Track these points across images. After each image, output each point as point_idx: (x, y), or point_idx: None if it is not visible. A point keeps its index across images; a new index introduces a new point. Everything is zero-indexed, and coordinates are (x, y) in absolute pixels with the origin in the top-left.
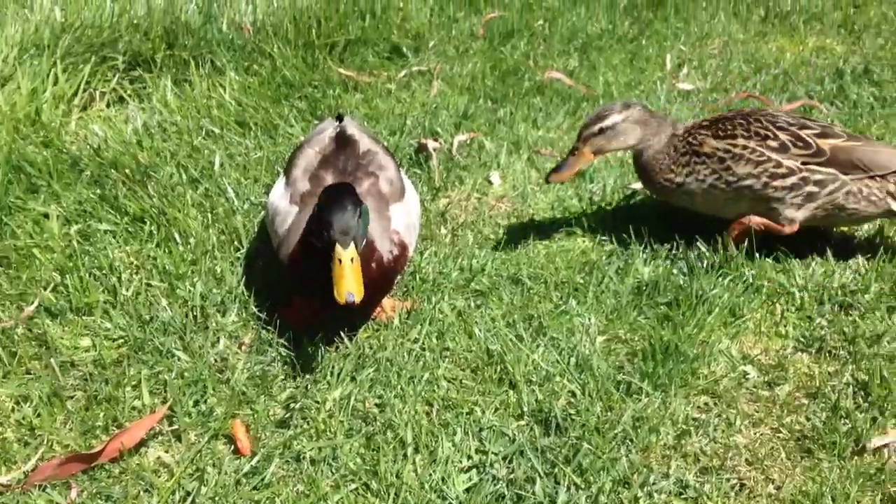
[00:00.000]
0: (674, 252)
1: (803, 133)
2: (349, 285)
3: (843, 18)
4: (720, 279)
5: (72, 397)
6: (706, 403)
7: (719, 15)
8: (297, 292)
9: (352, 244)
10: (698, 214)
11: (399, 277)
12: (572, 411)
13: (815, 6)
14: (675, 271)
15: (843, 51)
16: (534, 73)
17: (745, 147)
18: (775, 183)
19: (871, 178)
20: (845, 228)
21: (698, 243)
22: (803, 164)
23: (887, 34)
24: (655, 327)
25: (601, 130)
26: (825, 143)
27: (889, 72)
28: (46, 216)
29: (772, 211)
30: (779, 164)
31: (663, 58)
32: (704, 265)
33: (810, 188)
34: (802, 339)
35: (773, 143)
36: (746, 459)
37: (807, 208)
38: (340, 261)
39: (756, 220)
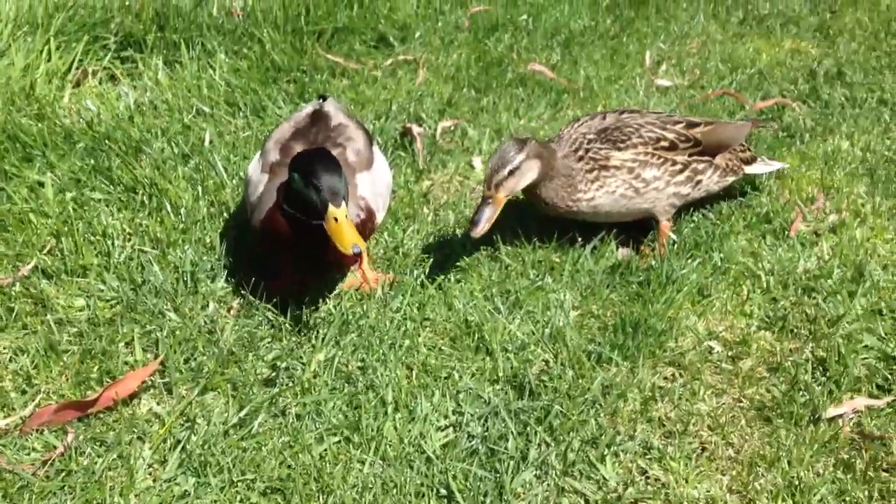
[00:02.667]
0: (644, 236)
1: (679, 128)
2: (351, 237)
3: (819, 23)
4: (690, 261)
5: (67, 351)
6: (672, 374)
7: (699, 16)
8: (280, 261)
9: (343, 203)
10: (587, 223)
11: (370, 247)
12: (545, 378)
13: (792, 10)
14: (647, 254)
15: (818, 54)
16: (517, 65)
17: (646, 153)
18: (675, 179)
19: (731, 151)
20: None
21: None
22: (689, 157)
23: (861, 39)
24: (626, 304)
25: (511, 173)
26: (696, 132)
27: (861, 74)
28: (41, 184)
29: (666, 208)
30: (675, 163)
31: (643, 55)
32: (675, 248)
33: (697, 178)
34: (766, 319)
35: (665, 144)
36: (708, 425)
37: (690, 196)
38: (336, 219)
39: (665, 226)
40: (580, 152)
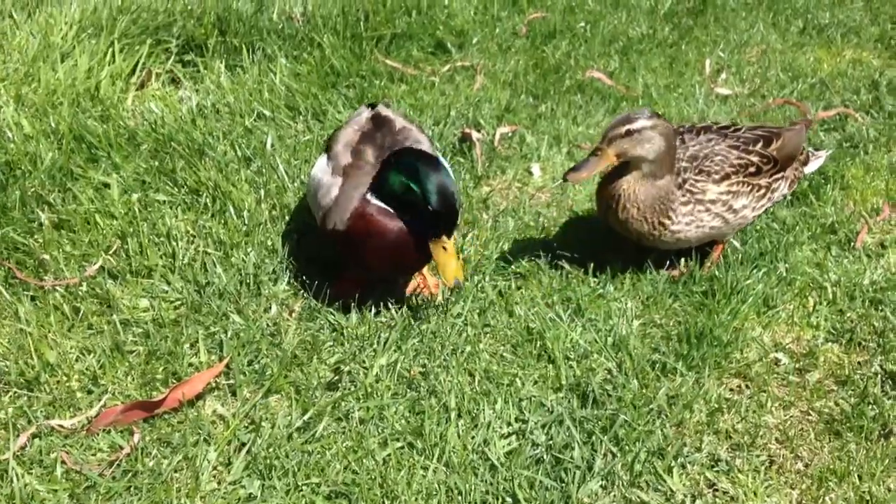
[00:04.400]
0: (708, 246)
1: (759, 149)
2: (455, 270)
3: (881, 33)
4: (754, 271)
5: (132, 352)
6: (738, 386)
7: (758, 25)
8: (343, 265)
9: (455, 232)
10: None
11: None
12: (609, 387)
13: (853, 21)
14: (710, 263)
15: (880, 64)
16: (574, 72)
17: (738, 183)
18: (758, 204)
19: (796, 159)
20: (875, 231)
21: (732, 239)
22: (769, 177)
23: None
24: (690, 313)
25: (628, 133)
26: (773, 150)
27: None
28: (107, 185)
29: (736, 228)
30: (759, 187)
31: (702, 63)
32: (739, 258)
33: (771, 194)
34: (833, 331)
35: (752, 170)
36: (776, 438)
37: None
38: (445, 248)
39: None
40: (679, 179)
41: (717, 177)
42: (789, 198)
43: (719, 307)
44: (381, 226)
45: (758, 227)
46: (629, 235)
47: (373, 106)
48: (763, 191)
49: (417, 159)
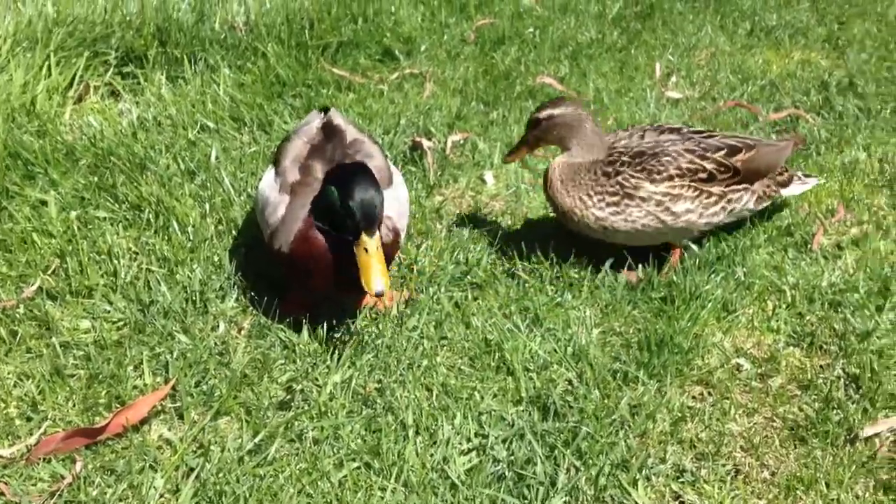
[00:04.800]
0: (664, 251)
1: (718, 157)
2: (379, 275)
3: (828, 34)
4: (713, 276)
5: (73, 375)
6: (701, 393)
7: (706, 28)
8: (288, 285)
9: (377, 232)
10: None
11: (392, 264)
12: (570, 398)
13: (800, 22)
14: (668, 269)
15: (828, 65)
16: (525, 77)
17: (682, 187)
18: (709, 211)
19: (770, 177)
20: (832, 233)
21: (689, 242)
22: (726, 187)
23: (871, 49)
24: (650, 320)
25: (537, 122)
26: (736, 161)
27: (873, 85)
28: (44, 203)
29: (687, 235)
30: (710, 195)
31: (652, 67)
32: (696, 262)
33: (731, 206)
34: (794, 334)
35: (703, 175)
36: (741, 446)
37: (720, 224)
38: (367, 249)
39: (678, 250)
40: (610, 169)
41: (657, 176)
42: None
43: (679, 313)
44: (323, 248)
45: (714, 231)
46: (562, 218)
47: (325, 111)
48: (715, 199)
49: (343, 169)
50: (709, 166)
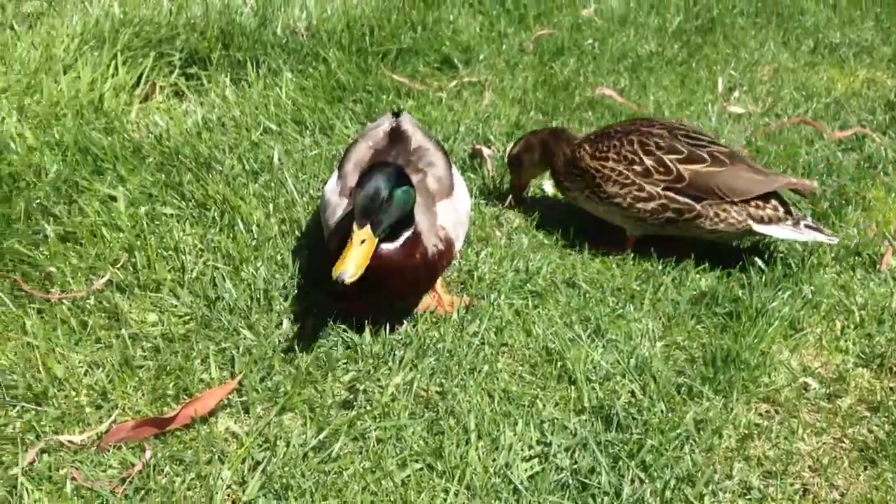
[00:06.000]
0: (729, 266)
1: (667, 158)
2: (345, 265)
3: (893, 53)
4: (779, 293)
5: (142, 367)
6: (767, 411)
7: (768, 44)
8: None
9: (367, 226)
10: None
11: (445, 272)
12: (633, 410)
13: (865, 40)
14: (732, 284)
15: (894, 84)
16: (584, 88)
17: (612, 170)
18: (638, 205)
19: (731, 202)
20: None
21: (756, 258)
22: (664, 189)
23: None
24: (715, 335)
25: (509, 162)
26: (686, 169)
27: None
28: (113, 198)
29: (638, 226)
30: (641, 188)
31: (714, 81)
32: (763, 279)
33: (669, 214)
34: (863, 355)
35: (638, 168)
36: (809, 466)
37: (669, 228)
38: (351, 240)
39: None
40: (585, 145)
41: (599, 154)
42: (736, 243)
43: (745, 329)
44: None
45: (781, 249)
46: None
47: (396, 114)
48: (644, 195)
49: (368, 168)
50: (648, 162)
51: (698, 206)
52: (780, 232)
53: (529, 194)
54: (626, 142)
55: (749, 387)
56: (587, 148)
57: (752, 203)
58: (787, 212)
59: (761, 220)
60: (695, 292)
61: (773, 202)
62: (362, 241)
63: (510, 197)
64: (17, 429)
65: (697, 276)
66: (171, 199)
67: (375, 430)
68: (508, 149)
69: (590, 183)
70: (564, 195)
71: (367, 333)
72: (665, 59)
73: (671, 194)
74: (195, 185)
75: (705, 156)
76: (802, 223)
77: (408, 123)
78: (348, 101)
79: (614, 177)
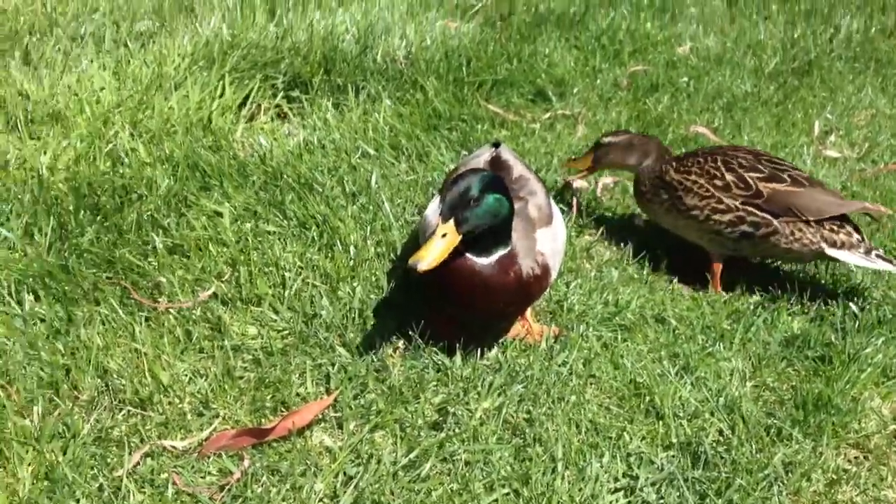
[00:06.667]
0: (822, 308)
1: (748, 175)
2: (423, 253)
3: None
4: (872, 339)
5: (242, 378)
6: (857, 457)
7: (866, 89)
8: (438, 307)
9: (451, 221)
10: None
11: (537, 301)
12: (721, 448)
13: None
14: (825, 328)
15: None
16: (677, 126)
17: (694, 182)
18: (715, 216)
19: (806, 222)
20: None
21: (850, 303)
22: (742, 203)
23: None
24: (805, 378)
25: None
26: (766, 187)
27: None
28: (219, 213)
29: (713, 241)
30: (720, 201)
31: (809, 124)
32: (857, 325)
33: (745, 227)
34: None
35: (719, 183)
36: None
37: (743, 244)
38: (434, 233)
39: (716, 266)
40: (672, 161)
41: (681, 168)
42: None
43: (836, 374)
44: (457, 271)
45: (875, 296)
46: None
47: (496, 145)
48: (724, 207)
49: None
50: (729, 177)
51: (775, 222)
52: (851, 258)
53: (619, 227)
54: (711, 159)
55: (839, 432)
56: (673, 163)
57: (827, 227)
58: (861, 240)
59: (834, 245)
60: (787, 334)
61: (848, 228)
62: (444, 235)
63: (573, 172)
64: (124, 432)
65: (789, 317)
66: (273, 217)
67: (464, 452)
68: (605, 134)
69: (671, 195)
70: (644, 209)
71: (457, 357)
72: (761, 100)
73: (749, 208)
74: (297, 205)
75: (786, 177)
76: (874, 253)
77: (508, 153)
78: (444, 129)
79: (695, 189)
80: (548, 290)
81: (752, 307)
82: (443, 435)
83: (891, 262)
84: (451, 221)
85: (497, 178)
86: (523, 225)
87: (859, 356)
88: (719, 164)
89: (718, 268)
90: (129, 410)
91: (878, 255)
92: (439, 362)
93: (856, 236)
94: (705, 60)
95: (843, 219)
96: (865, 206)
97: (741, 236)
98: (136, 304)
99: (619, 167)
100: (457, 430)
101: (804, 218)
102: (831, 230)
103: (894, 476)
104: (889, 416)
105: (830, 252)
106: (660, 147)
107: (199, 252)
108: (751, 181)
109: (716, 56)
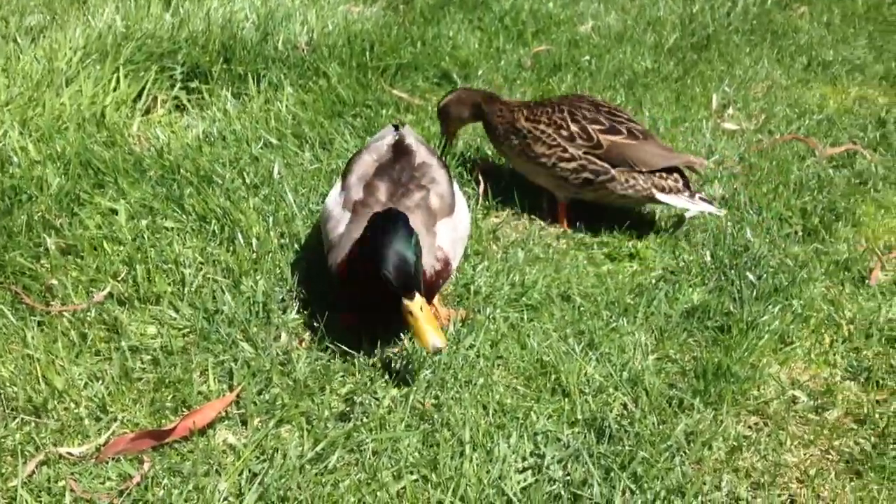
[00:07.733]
0: (721, 280)
1: (591, 127)
2: (431, 335)
3: (885, 71)
4: (769, 307)
5: (141, 379)
6: (756, 423)
7: (763, 61)
8: (343, 301)
9: (416, 294)
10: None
11: (445, 286)
12: (626, 422)
13: (857, 58)
14: (724, 299)
15: (886, 102)
16: None
17: (542, 132)
18: (561, 164)
19: (640, 171)
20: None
21: (747, 273)
22: (584, 153)
23: None
24: (706, 349)
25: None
26: (605, 139)
27: None
28: (114, 211)
29: (559, 186)
30: (565, 150)
31: (708, 98)
32: (754, 293)
33: (587, 175)
34: (850, 369)
35: (564, 133)
36: (797, 477)
37: (585, 189)
38: (412, 313)
39: (562, 205)
40: (523, 109)
41: (532, 117)
42: (641, 208)
43: (735, 343)
44: (366, 280)
45: (772, 264)
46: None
47: (397, 127)
48: (568, 156)
49: (381, 228)
50: (573, 128)
51: (613, 171)
52: (677, 201)
53: (524, 208)
54: (558, 109)
55: (739, 399)
56: (524, 111)
57: (657, 174)
58: (686, 185)
59: (662, 190)
60: (688, 306)
61: (675, 175)
62: (420, 308)
63: (443, 145)
64: (17, 441)
65: (690, 289)
66: (171, 212)
67: (371, 442)
68: (438, 100)
69: (521, 141)
70: (499, 152)
71: (363, 346)
72: (661, 76)
73: (591, 157)
74: (196, 199)
75: (623, 129)
76: (698, 196)
77: (411, 137)
78: (348, 116)
79: (543, 138)
80: (452, 276)
81: (654, 281)
82: (350, 425)
83: (711, 202)
84: (415, 294)
85: (402, 219)
86: (424, 218)
87: (757, 324)
88: (565, 114)
89: (563, 206)
90: (22, 418)
91: (700, 198)
92: (345, 353)
93: (681, 183)
94: (607, 38)
95: (672, 168)
96: (690, 158)
97: (584, 182)
98: (28, 308)
99: (465, 122)
100: (364, 420)
101: (637, 169)
102: (661, 177)
103: (793, 440)
104: (787, 381)
105: (660, 196)
106: (495, 98)
107: (93, 252)
108: (592, 133)
109: (617, 34)
